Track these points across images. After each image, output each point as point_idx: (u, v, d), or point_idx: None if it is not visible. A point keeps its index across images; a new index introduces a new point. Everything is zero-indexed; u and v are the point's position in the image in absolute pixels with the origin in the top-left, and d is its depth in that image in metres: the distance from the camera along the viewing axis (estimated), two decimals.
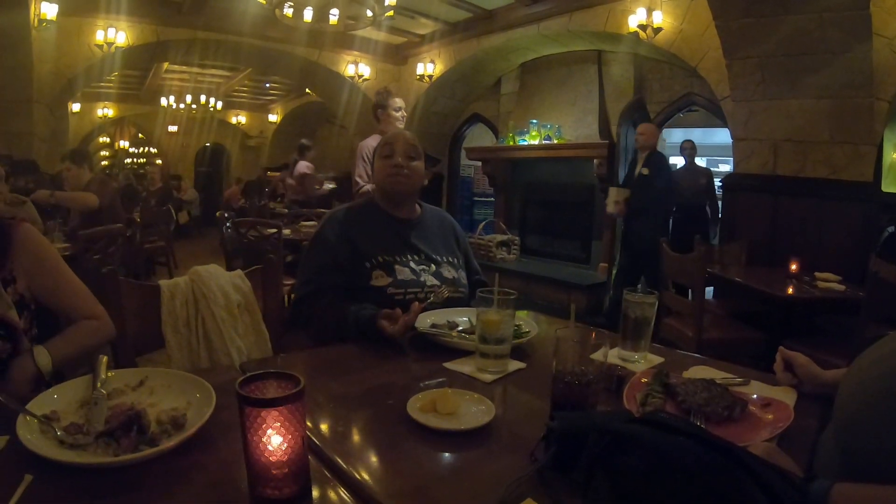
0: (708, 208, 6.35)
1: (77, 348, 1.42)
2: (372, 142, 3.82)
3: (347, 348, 1.63)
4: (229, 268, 1.94)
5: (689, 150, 6.33)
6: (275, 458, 0.83)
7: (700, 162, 6.99)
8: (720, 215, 5.53)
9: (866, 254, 3.38)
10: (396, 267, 1.87)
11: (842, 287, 3.33)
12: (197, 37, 7.38)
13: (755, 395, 1.24)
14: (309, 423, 1.08)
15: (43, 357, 1.34)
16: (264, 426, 0.82)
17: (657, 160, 5.16)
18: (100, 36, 6.51)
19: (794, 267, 3.67)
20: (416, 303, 1.69)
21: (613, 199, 5.40)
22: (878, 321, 2.79)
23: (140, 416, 1.01)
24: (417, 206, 2.09)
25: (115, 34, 6.54)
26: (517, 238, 7.32)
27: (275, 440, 0.83)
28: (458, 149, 9.63)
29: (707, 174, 6.41)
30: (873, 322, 2.74)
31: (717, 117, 5.81)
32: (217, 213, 5.44)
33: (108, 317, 1.51)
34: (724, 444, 0.79)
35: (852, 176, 4.01)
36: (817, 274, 3.53)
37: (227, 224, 4.98)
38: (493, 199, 8.62)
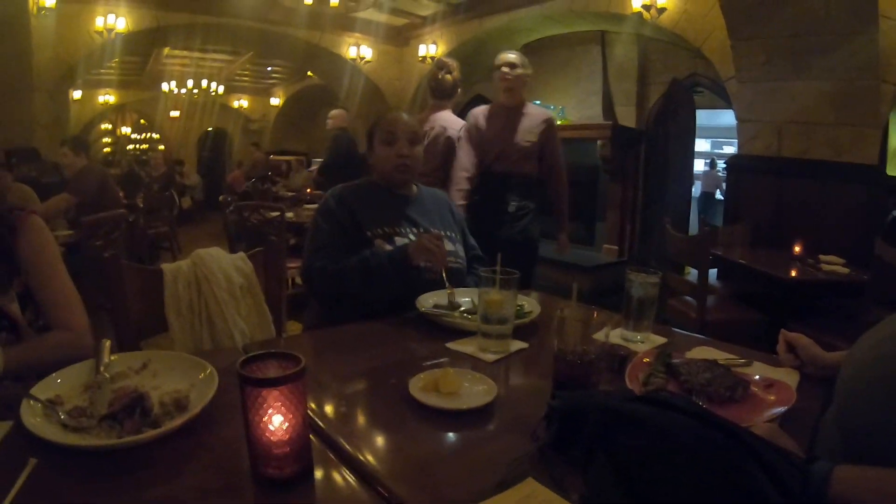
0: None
1: (37, 360, 1.28)
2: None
3: (350, 330, 1.64)
4: (232, 252, 1.94)
5: (496, 70, 3.37)
6: (276, 437, 0.83)
7: (702, 144, 6.55)
8: (724, 198, 5.23)
9: (871, 237, 3.36)
10: (397, 238, 1.91)
11: (846, 270, 3.32)
12: (197, 21, 7.32)
13: (757, 376, 1.23)
14: (312, 404, 1.09)
15: None
16: (265, 406, 0.82)
17: (332, 139, 5.65)
18: (99, 22, 6.47)
19: (797, 249, 3.66)
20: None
21: None
22: (882, 304, 2.77)
23: (143, 399, 1.02)
24: (414, 186, 2.13)
25: (114, 20, 6.49)
26: None
27: (276, 419, 0.83)
28: None
29: (542, 119, 3.47)
30: (877, 305, 2.73)
31: (721, 98, 5.75)
32: (220, 198, 5.43)
33: (85, 330, 1.42)
34: (726, 423, 0.79)
35: (857, 158, 3.97)
36: (821, 256, 3.51)
37: (231, 208, 4.97)
38: None
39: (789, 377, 1.25)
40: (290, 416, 0.83)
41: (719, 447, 0.74)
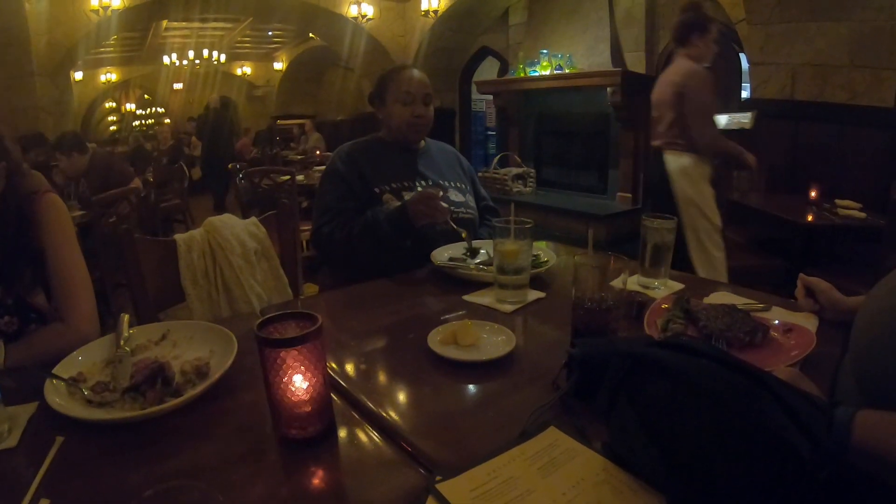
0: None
1: (33, 355, 1.20)
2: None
3: (367, 287, 1.64)
4: (245, 218, 1.93)
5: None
6: (297, 397, 0.84)
7: None
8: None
9: (887, 181, 3.29)
10: (405, 194, 1.90)
11: (862, 214, 3.25)
12: None
13: (777, 321, 1.22)
14: (332, 364, 1.10)
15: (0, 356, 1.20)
16: (285, 366, 0.82)
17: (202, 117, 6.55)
18: (94, 1, 6.37)
19: (813, 193, 3.60)
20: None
21: None
22: None
23: (164, 369, 1.02)
24: (422, 140, 2.13)
25: None
26: (533, 171, 7.27)
27: (296, 380, 0.83)
28: (469, 83, 9.44)
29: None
30: (894, 250, 2.69)
31: (732, 42, 5.59)
32: (229, 166, 5.40)
33: (80, 321, 1.32)
34: (748, 366, 0.78)
35: (873, 101, 3.88)
36: (838, 201, 3.45)
37: (241, 175, 4.95)
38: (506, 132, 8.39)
39: (808, 322, 1.23)
40: (311, 375, 0.84)
41: (742, 390, 0.74)
